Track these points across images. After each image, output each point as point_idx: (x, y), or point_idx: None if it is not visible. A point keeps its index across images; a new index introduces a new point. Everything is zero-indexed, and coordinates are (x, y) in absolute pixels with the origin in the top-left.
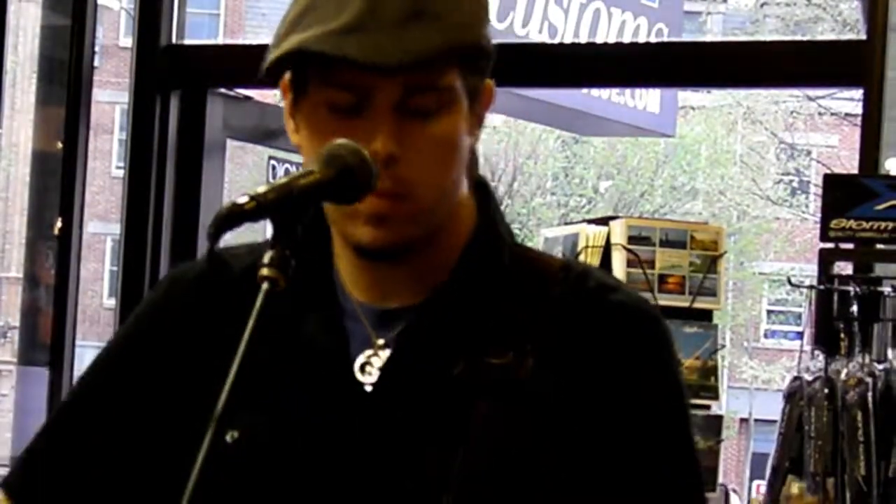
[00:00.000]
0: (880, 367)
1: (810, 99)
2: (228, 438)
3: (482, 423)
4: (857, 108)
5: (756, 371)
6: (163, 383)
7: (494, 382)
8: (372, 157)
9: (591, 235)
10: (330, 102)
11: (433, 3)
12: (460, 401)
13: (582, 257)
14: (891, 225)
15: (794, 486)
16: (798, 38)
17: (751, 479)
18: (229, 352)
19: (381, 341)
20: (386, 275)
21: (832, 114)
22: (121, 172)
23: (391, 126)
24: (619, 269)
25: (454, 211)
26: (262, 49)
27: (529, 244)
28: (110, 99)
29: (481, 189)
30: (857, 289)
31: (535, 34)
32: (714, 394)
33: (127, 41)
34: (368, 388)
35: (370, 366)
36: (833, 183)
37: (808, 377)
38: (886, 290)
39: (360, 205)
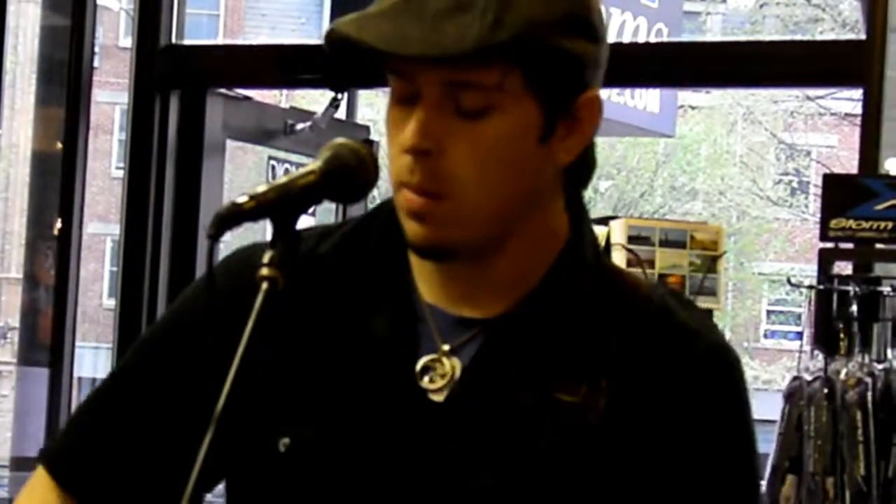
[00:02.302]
0: (880, 367)
1: (810, 99)
2: (281, 447)
3: (542, 462)
4: (857, 109)
5: (756, 371)
6: (216, 367)
7: (562, 422)
8: (403, 150)
9: None
10: (395, 93)
11: None
12: (526, 433)
13: None
14: (890, 225)
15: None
16: (798, 38)
17: None
18: (292, 341)
19: (446, 347)
20: (456, 279)
21: (832, 114)
22: (121, 173)
23: (426, 119)
24: None
25: (538, 225)
26: (261, 49)
27: None
28: (110, 99)
29: (576, 206)
30: (857, 289)
31: None
32: None
33: (127, 41)
34: (435, 398)
35: (433, 372)
36: (833, 183)
37: (807, 377)
38: (886, 289)
39: (400, 199)
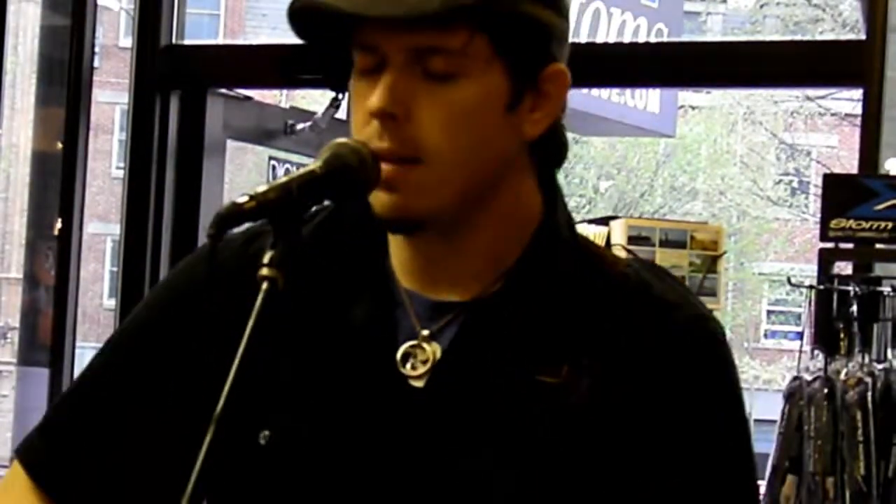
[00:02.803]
0: (880, 366)
1: (810, 99)
2: (262, 440)
3: (526, 445)
4: (857, 109)
5: (756, 371)
6: (195, 359)
7: (545, 404)
8: (370, 115)
9: (592, 236)
10: (360, 66)
11: None
12: (508, 416)
13: None
14: (890, 225)
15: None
16: (798, 38)
17: None
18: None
19: (425, 332)
20: (432, 262)
21: (832, 114)
22: (121, 173)
23: (393, 82)
24: None
25: (509, 203)
26: (261, 49)
27: None
28: (110, 99)
29: (549, 186)
30: (857, 289)
31: None
32: None
33: (127, 41)
34: (416, 384)
35: (414, 358)
36: (833, 183)
37: (807, 377)
38: (886, 290)
39: None
